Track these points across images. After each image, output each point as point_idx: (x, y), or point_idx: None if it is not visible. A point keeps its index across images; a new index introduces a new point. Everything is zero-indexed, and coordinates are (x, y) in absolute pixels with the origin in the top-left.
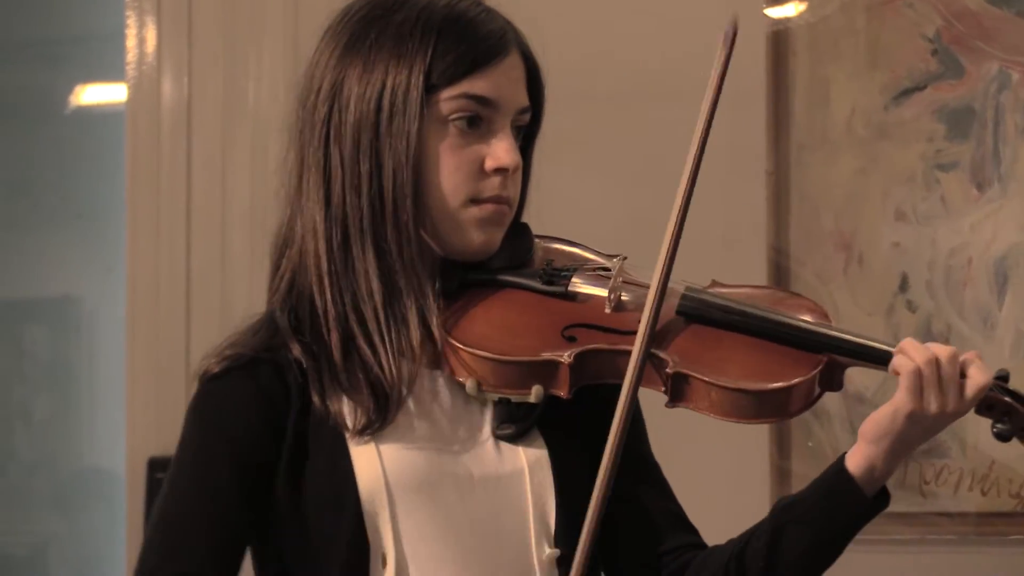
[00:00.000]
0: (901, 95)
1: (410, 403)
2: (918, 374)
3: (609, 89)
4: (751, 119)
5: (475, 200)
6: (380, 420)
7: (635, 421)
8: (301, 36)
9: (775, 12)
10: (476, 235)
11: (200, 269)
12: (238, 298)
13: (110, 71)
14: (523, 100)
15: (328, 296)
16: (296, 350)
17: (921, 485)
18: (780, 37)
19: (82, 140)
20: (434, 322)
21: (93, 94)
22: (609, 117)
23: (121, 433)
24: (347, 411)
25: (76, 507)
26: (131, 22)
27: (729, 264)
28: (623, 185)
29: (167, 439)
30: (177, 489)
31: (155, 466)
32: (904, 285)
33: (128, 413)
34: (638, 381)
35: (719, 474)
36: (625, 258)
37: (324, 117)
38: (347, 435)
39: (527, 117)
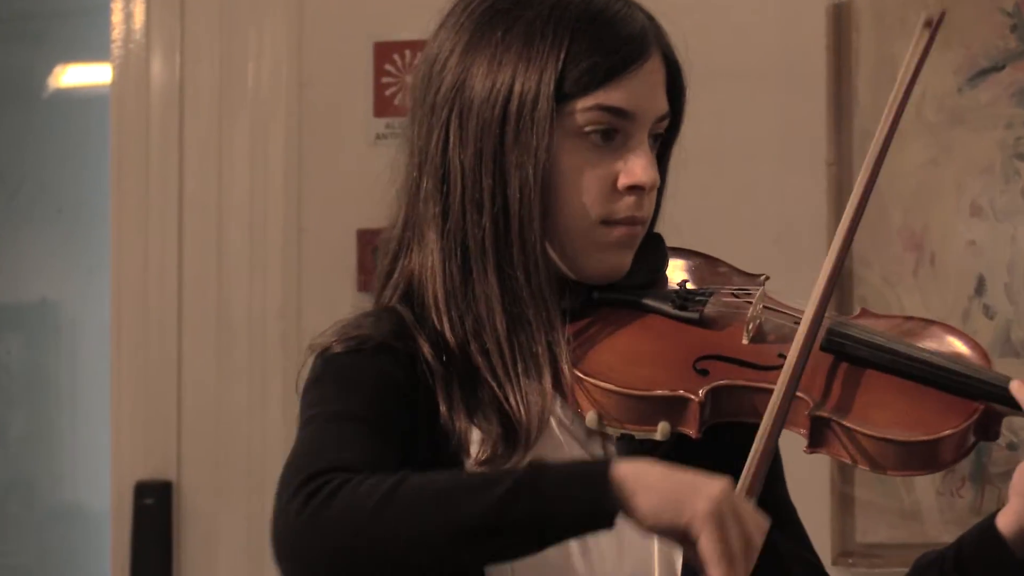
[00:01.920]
0: (977, 76)
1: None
2: None
3: None
4: (809, 103)
5: (607, 221)
6: (507, 458)
7: (772, 461)
8: (306, 9)
9: None
10: (607, 258)
11: (193, 271)
12: (236, 303)
13: (94, 50)
14: (662, 107)
15: (446, 320)
16: (427, 349)
17: None
18: (842, 11)
19: (62, 126)
20: (564, 356)
21: (75, 75)
22: None
23: (105, 454)
24: (472, 437)
25: (55, 536)
26: None
27: (785, 265)
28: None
29: (156, 462)
30: (315, 420)
31: (143, 491)
32: (980, 288)
33: (113, 431)
34: (780, 424)
35: None
36: (767, 278)
37: (444, 120)
38: (467, 463)
39: (665, 124)
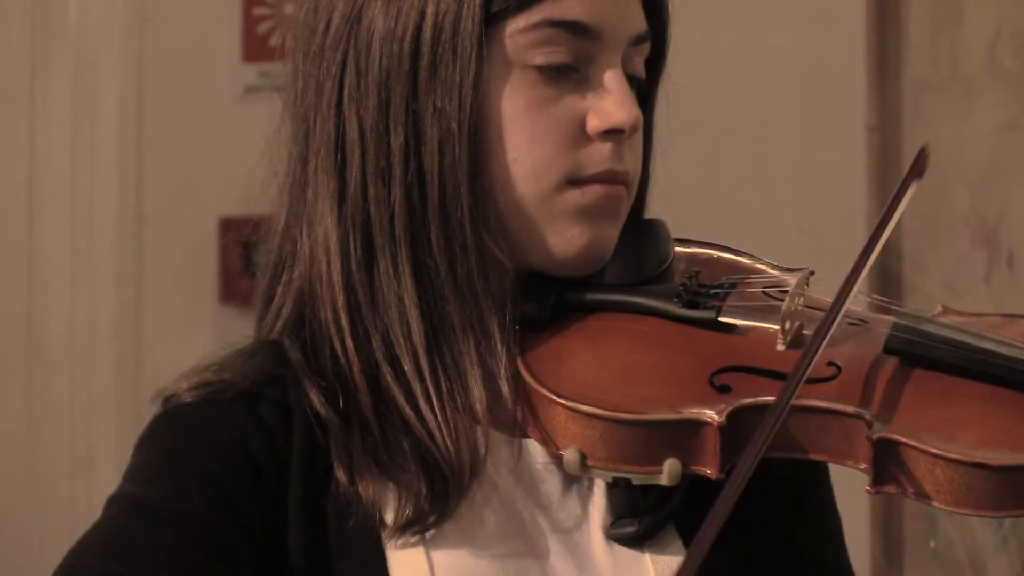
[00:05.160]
0: None
1: (474, 487)
2: None
3: None
4: (845, 50)
5: (576, 180)
6: (435, 513)
7: (827, 515)
8: None
9: None
10: (577, 233)
11: None
12: (53, 315)
13: None
14: (638, 23)
15: (348, 340)
16: (315, 397)
17: None
18: None
19: None
20: (502, 373)
21: None
22: None
23: None
24: (386, 498)
25: None
26: None
27: (813, 261)
28: None
29: None
30: (116, 504)
31: None
32: None
33: None
34: (767, 439)
35: None
36: (812, 272)
37: (337, 66)
38: (383, 533)
39: (645, 52)
